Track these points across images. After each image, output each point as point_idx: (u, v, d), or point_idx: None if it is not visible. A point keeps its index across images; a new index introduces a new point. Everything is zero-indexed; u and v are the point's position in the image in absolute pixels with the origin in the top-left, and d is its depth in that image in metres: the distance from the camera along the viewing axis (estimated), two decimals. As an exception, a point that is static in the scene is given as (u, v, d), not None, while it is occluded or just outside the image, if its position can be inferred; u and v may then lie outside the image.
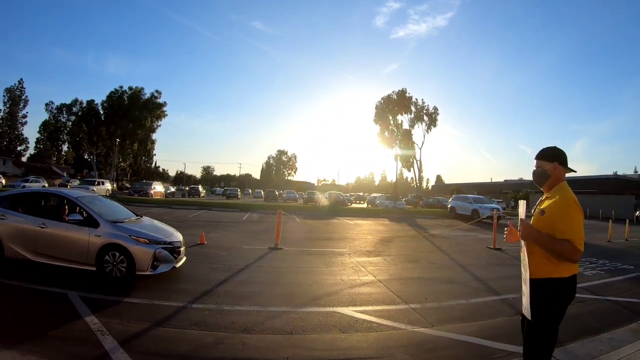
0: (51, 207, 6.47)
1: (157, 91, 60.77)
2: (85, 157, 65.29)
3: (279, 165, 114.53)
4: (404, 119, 56.13)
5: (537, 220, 2.23)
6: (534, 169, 2.43)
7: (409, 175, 68.30)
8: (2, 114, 59.10)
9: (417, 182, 60.84)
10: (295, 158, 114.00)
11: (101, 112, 58.84)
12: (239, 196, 49.83)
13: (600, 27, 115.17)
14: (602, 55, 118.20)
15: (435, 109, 55.43)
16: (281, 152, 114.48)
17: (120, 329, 3.72)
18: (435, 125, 55.57)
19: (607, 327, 4.39)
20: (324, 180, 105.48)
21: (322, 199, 34.44)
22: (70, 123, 60.07)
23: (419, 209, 35.33)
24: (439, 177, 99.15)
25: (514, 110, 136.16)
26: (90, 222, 5.66)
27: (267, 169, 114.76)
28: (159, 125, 63.38)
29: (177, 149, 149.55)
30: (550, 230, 2.16)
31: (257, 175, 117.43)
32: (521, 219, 2.18)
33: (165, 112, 62.38)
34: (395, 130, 55.73)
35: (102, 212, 5.98)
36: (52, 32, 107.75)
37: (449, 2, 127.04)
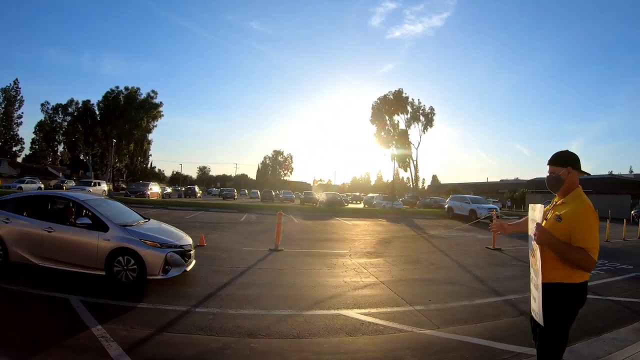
0: (57, 211, 6.38)
1: (153, 91, 60.23)
2: (81, 157, 64.66)
3: (275, 165, 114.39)
4: (401, 119, 56.06)
5: (553, 226, 2.23)
6: (547, 174, 2.41)
7: (405, 175, 68.33)
8: (-3, 114, 58.62)
9: (414, 182, 60.90)
10: (291, 158, 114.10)
11: (97, 112, 58.23)
12: (236, 197, 49.73)
13: (594, 27, 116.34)
14: (596, 56, 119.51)
15: (432, 109, 55.44)
16: (277, 152, 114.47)
17: (125, 334, 3.66)
18: (431, 125, 55.60)
19: (610, 327, 4.43)
20: (320, 180, 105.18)
21: (321, 197, 34.32)
22: (65, 123, 59.37)
23: (416, 209, 35.43)
24: (434, 177, 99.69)
25: (509, 110, 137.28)
26: (99, 225, 5.57)
27: (263, 169, 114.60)
28: (155, 126, 62.80)
29: (173, 149, 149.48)
30: (566, 238, 2.16)
31: (253, 175, 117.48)
32: (537, 223, 2.18)
33: (162, 113, 61.85)
34: (392, 130, 55.64)
35: (111, 215, 5.90)
36: (47, 32, 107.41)
37: (445, 2, 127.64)
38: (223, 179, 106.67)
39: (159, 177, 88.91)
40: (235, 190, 55.72)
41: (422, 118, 55.69)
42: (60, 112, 58.96)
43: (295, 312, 4.69)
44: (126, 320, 4.08)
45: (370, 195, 48.30)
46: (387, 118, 55.85)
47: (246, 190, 67.99)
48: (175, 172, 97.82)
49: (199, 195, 47.25)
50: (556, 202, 2.41)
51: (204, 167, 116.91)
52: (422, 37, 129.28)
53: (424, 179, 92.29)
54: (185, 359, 3.33)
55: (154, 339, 3.66)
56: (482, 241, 12.63)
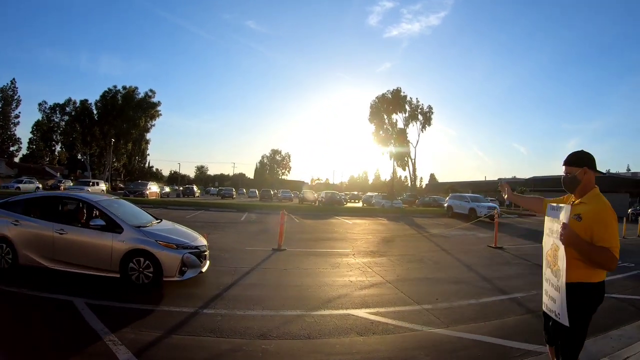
0: (68, 212, 6.26)
1: (151, 90, 60.04)
2: (79, 157, 64.48)
3: (272, 164, 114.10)
4: (399, 118, 56.16)
5: (573, 225, 2.23)
6: (563, 175, 2.43)
7: (402, 174, 68.50)
8: (-6, 114, 58.36)
9: (412, 181, 60.99)
10: (289, 157, 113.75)
11: (95, 112, 57.99)
12: (234, 196, 49.62)
13: (591, 27, 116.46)
14: (593, 55, 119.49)
15: (430, 107, 55.54)
16: (275, 152, 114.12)
17: (133, 338, 3.60)
18: (429, 124, 55.70)
19: (616, 324, 4.46)
20: (318, 179, 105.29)
21: (317, 196, 34.39)
22: (63, 123, 59.02)
23: (415, 207, 35.53)
24: (432, 176, 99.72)
25: (507, 109, 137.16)
26: (114, 227, 5.46)
27: (260, 169, 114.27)
28: (153, 125, 62.62)
29: (170, 148, 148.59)
30: (587, 237, 2.18)
31: (250, 174, 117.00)
32: (564, 223, 2.18)
33: (159, 112, 61.71)
34: (390, 129, 55.71)
35: (124, 216, 5.80)
36: (45, 32, 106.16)
37: (442, 1, 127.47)
38: (221, 178, 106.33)
39: (156, 176, 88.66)
40: (234, 190, 55.63)
41: (420, 117, 55.80)
42: (57, 112, 58.65)
43: (304, 312, 4.68)
44: (133, 322, 4.01)
45: (369, 194, 48.36)
46: (385, 117, 55.93)
47: (244, 190, 67.78)
48: (173, 172, 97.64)
49: (197, 194, 47.06)
50: (573, 202, 2.42)
51: (202, 167, 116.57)
52: (419, 36, 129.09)
53: (421, 178, 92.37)
54: (197, 362, 3.29)
55: (163, 341, 3.61)
56: (483, 240, 12.66)
